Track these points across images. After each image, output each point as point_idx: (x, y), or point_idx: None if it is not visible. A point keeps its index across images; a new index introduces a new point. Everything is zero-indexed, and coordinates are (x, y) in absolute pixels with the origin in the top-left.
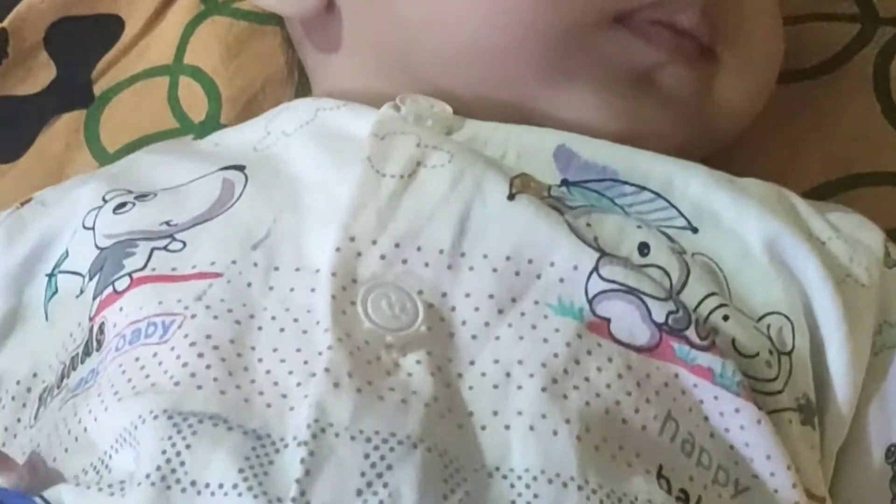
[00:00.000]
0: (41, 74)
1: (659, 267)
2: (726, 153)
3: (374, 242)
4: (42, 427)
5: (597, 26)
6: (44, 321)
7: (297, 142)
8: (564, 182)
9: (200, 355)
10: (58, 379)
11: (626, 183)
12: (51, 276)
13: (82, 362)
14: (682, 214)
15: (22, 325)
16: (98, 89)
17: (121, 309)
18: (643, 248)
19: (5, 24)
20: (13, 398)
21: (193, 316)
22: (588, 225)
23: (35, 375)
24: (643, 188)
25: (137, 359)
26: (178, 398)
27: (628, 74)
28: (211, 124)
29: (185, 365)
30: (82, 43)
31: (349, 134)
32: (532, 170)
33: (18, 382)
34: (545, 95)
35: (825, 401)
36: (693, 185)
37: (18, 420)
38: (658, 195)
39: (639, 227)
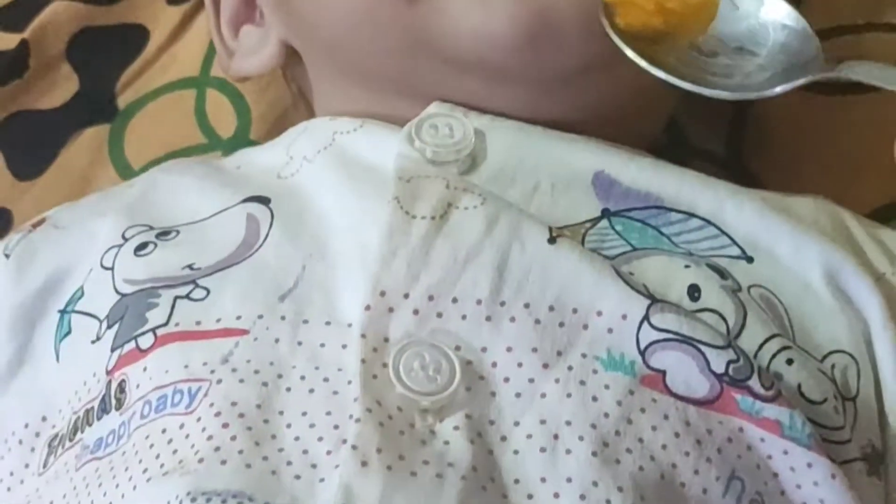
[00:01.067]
0: (63, 87)
1: (713, 311)
2: (781, 169)
3: (406, 296)
4: (54, 482)
5: None
6: (55, 362)
7: (319, 170)
8: (605, 212)
9: (225, 426)
10: (70, 430)
11: (672, 210)
12: (63, 313)
13: (98, 419)
14: (734, 242)
15: (31, 362)
16: (122, 102)
17: (144, 369)
18: (693, 292)
19: (26, 34)
20: (20, 441)
21: (219, 381)
22: (631, 274)
23: (44, 419)
24: (691, 215)
25: (164, 430)
26: (201, 477)
27: None
28: (240, 140)
29: (209, 438)
30: (106, 54)
31: (369, 163)
32: (569, 200)
33: (27, 426)
34: (429, 24)
35: (887, 449)
36: (745, 210)
37: (26, 465)
38: (707, 222)
39: (686, 266)
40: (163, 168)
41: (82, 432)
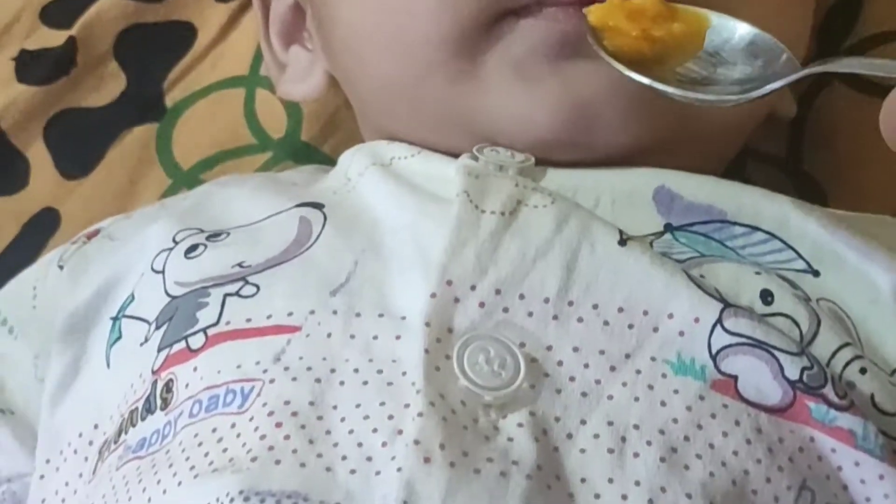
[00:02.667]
0: (111, 85)
1: (786, 316)
2: (841, 172)
3: (473, 288)
4: (97, 485)
5: (493, 20)
6: (105, 368)
7: (373, 179)
8: (668, 227)
9: (279, 425)
10: (115, 433)
11: (735, 223)
12: (115, 319)
13: (142, 419)
14: (800, 256)
15: (85, 372)
16: (170, 101)
17: (195, 369)
18: (766, 296)
19: (73, 31)
20: (75, 451)
21: (272, 381)
22: (702, 276)
23: (96, 427)
24: (755, 228)
25: (215, 429)
26: (255, 476)
27: (540, 50)
28: (291, 141)
29: (263, 437)
30: (153, 51)
31: (430, 178)
32: (630, 216)
33: (81, 435)
34: (470, 104)
35: None
36: (811, 223)
37: (80, 475)
38: (772, 235)
39: (757, 273)
40: (218, 181)
41: (126, 433)
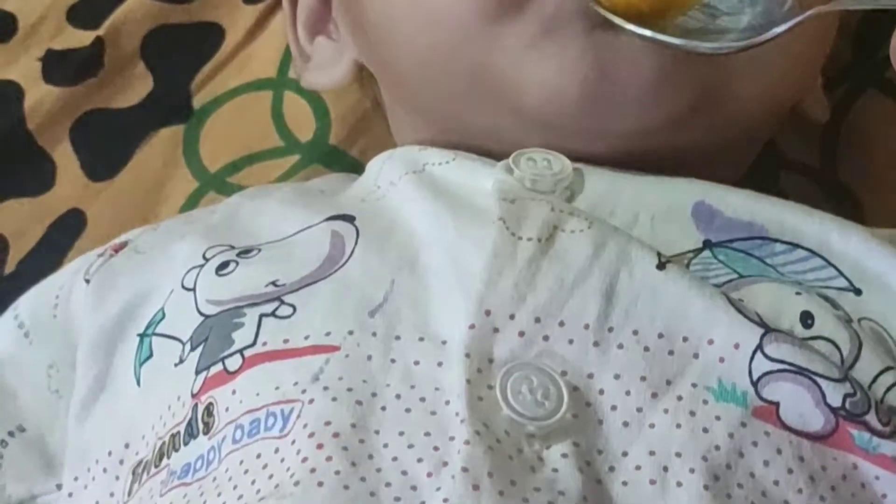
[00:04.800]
0: (138, 86)
1: (827, 339)
2: (876, 181)
3: (512, 317)
4: None
5: None
6: (136, 386)
7: (407, 189)
8: (707, 243)
9: (320, 446)
10: (156, 456)
11: (776, 241)
12: (143, 336)
13: (185, 444)
14: (841, 274)
15: (112, 388)
16: (197, 102)
17: (234, 392)
18: (807, 319)
19: (101, 32)
20: (104, 470)
21: (311, 401)
22: (740, 300)
23: (127, 446)
24: (796, 245)
25: (259, 455)
26: (298, 500)
27: (566, 17)
28: (319, 144)
29: (304, 460)
30: (181, 53)
31: (463, 190)
32: (669, 232)
33: (110, 453)
34: (501, 72)
35: None
36: (853, 241)
37: (111, 494)
38: (813, 253)
39: (797, 293)
40: (245, 193)
41: (168, 458)
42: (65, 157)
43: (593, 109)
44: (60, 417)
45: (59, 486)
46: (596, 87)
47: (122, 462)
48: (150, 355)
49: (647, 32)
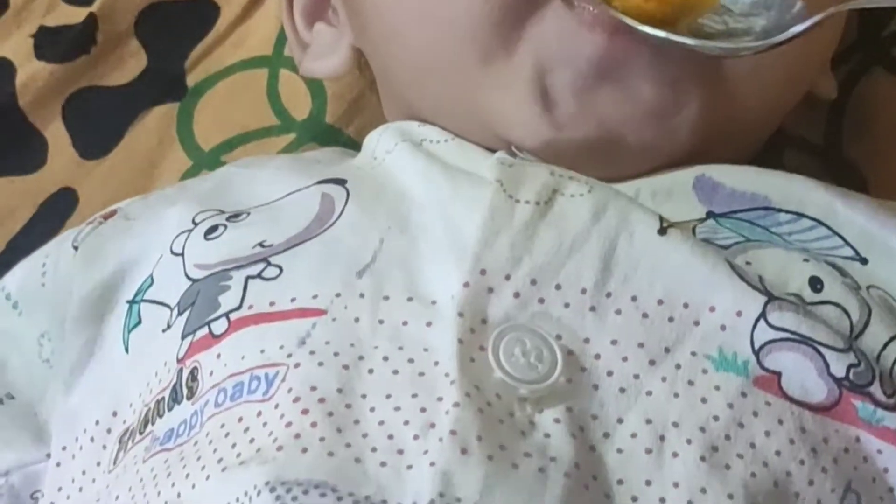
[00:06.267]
0: (131, 63)
1: (836, 304)
2: (882, 158)
3: (508, 278)
4: (122, 476)
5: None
6: (124, 354)
7: (403, 154)
8: (710, 214)
9: (305, 412)
10: (140, 423)
11: (780, 210)
12: (132, 303)
13: (169, 409)
14: (847, 243)
15: (100, 356)
16: (191, 80)
17: (218, 356)
18: (815, 284)
19: (94, 8)
20: (92, 439)
21: (297, 365)
22: (748, 263)
23: (115, 414)
24: (801, 215)
25: (241, 418)
26: (280, 466)
27: (569, 63)
28: (315, 123)
29: (288, 425)
30: (175, 30)
31: (461, 164)
32: (671, 207)
33: (98, 422)
34: (489, 95)
35: None
36: (858, 211)
37: (98, 463)
38: (818, 222)
39: (805, 259)
40: (238, 163)
41: (153, 424)
42: (57, 135)
43: (590, 158)
44: (51, 387)
45: (48, 456)
46: (592, 141)
47: (109, 431)
48: (139, 322)
49: (661, 33)
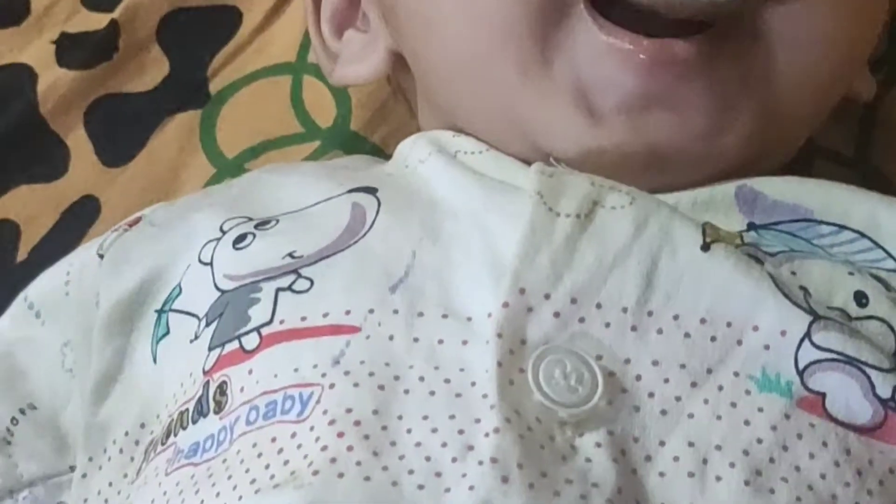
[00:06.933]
0: (153, 70)
1: (881, 320)
2: None
3: (548, 297)
4: (143, 488)
5: (564, 11)
6: (152, 364)
7: (436, 164)
8: (751, 226)
9: (340, 435)
10: (163, 434)
11: (822, 222)
12: (160, 312)
13: (194, 422)
14: (890, 256)
15: (130, 366)
16: (214, 88)
17: (250, 372)
18: (860, 298)
19: (116, 15)
20: (121, 451)
21: (332, 386)
22: (793, 273)
23: (143, 426)
24: (843, 227)
25: (274, 439)
26: (317, 491)
27: (612, 87)
28: (340, 131)
29: (324, 448)
30: (197, 36)
31: (496, 176)
32: (711, 216)
33: (127, 433)
34: (529, 104)
35: None
36: None
37: (125, 476)
38: (861, 234)
39: (850, 273)
40: (265, 169)
41: (175, 435)
42: (79, 143)
43: (640, 175)
44: (74, 397)
45: (72, 468)
46: (639, 158)
47: (137, 443)
48: (167, 332)
49: None
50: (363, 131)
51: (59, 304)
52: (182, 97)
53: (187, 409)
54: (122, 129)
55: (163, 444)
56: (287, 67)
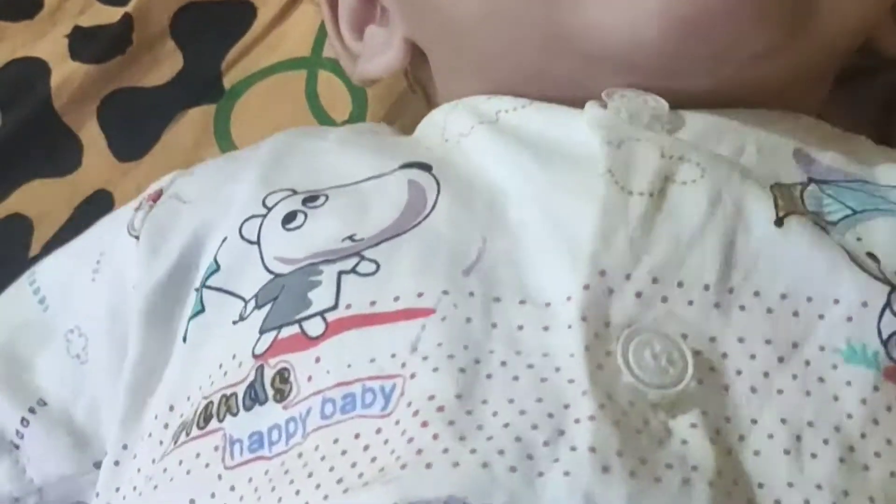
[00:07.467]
0: (167, 64)
1: None
2: None
3: (628, 277)
4: (187, 479)
5: None
6: (181, 343)
7: (481, 141)
8: (811, 180)
9: (425, 424)
10: (199, 417)
11: (876, 185)
12: (197, 290)
13: (247, 409)
14: None
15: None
16: (228, 82)
17: (317, 360)
18: None
19: (129, 9)
20: (150, 434)
21: (413, 376)
22: (858, 240)
23: (172, 409)
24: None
25: (357, 435)
26: (406, 485)
27: None
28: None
29: (410, 441)
30: (211, 30)
31: (546, 135)
32: (773, 166)
33: (156, 417)
34: (571, 19)
35: None
36: None
37: (153, 461)
38: None
39: None
40: (294, 132)
41: (220, 420)
42: (92, 137)
43: (680, 52)
44: (86, 385)
45: (96, 465)
46: (681, 29)
47: (166, 426)
48: (202, 309)
49: None
50: None
51: (74, 290)
52: (196, 92)
53: (235, 394)
54: (135, 123)
55: (200, 427)
56: (302, 62)
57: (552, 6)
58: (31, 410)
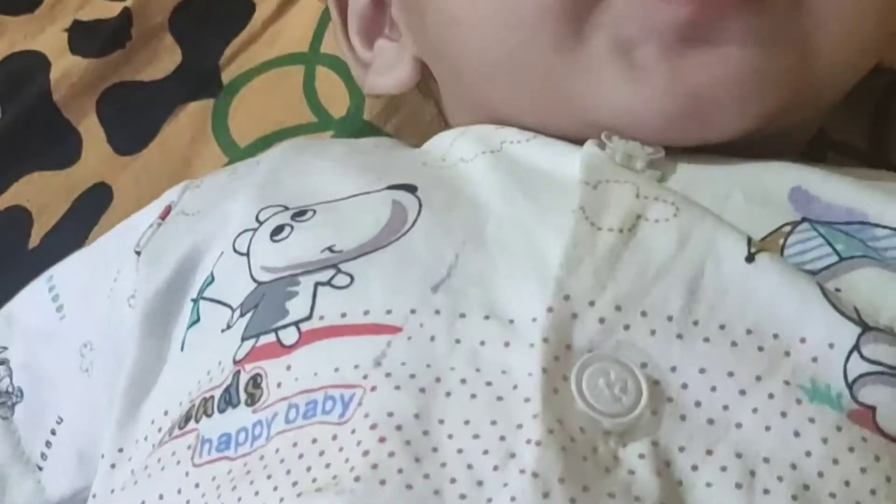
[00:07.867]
0: (166, 59)
1: None
2: None
3: (592, 304)
4: (162, 475)
5: None
6: (178, 351)
7: (480, 166)
8: (805, 219)
9: (382, 440)
10: (181, 418)
11: (878, 226)
12: (194, 301)
13: (221, 411)
14: None
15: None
16: (226, 77)
17: (288, 368)
18: None
19: (128, 3)
20: (145, 438)
21: (373, 388)
22: (838, 290)
23: (166, 414)
24: None
25: (315, 440)
26: (359, 498)
27: (651, 37)
28: (353, 121)
29: (366, 454)
30: (210, 25)
31: (542, 169)
32: (763, 212)
33: (153, 422)
34: (573, 85)
35: None
36: None
37: (146, 467)
38: None
39: None
40: (293, 146)
41: (197, 421)
42: (91, 130)
43: (680, 128)
44: (88, 399)
45: None
46: (682, 109)
47: (160, 430)
48: (198, 319)
49: None
50: (376, 121)
51: (90, 302)
52: (195, 86)
53: (212, 397)
54: (134, 116)
55: (180, 428)
56: (300, 57)
57: (561, 63)
58: (53, 432)
